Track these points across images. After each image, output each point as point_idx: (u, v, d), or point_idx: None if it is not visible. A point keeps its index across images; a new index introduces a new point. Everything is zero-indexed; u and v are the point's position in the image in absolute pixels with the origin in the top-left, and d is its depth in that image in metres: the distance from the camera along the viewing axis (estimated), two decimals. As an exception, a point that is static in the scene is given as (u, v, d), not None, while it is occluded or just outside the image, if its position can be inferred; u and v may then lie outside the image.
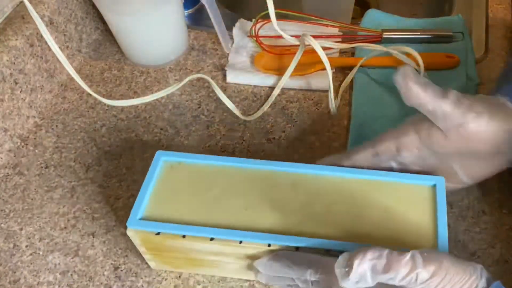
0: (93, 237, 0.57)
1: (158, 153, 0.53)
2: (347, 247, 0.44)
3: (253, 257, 0.48)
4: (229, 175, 0.51)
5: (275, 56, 0.72)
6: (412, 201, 0.48)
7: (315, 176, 0.50)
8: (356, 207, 0.48)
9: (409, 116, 0.63)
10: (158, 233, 0.47)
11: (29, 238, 0.57)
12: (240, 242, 0.46)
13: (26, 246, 0.57)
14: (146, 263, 0.54)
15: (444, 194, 0.47)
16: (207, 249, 0.48)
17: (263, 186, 0.50)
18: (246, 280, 0.52)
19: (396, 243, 0.45)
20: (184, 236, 0.47)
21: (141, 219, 0.48)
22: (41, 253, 0.56)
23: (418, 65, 0.64)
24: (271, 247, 0.46)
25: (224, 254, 0.48)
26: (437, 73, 0.66)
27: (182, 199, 0.50)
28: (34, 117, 0.69)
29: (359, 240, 0.45)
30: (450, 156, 0.49)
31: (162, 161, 0.52)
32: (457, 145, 0.47)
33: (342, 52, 0.73)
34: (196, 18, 0.82)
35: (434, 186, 0.48)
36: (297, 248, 0.45)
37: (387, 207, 0.47)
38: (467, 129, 0.46)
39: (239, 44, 0.76)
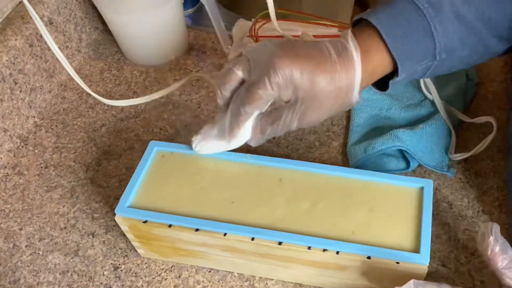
0: (93, 237, 0.57)
1: (152, 143, 0.54)
2: (330, 245, 0.45)
3: (238, 250, 0.48)
4: (218, 168, 0.52)
5: (275, 56, 0.72)
6: (398, 202, 0.48)
7: (302, 172, 0.51)
8: (342, 206, 0.48)
9: (409, 116, 0.63)
10: (145, 221, 0.48)
11: (29, 238, 0.57)
12: (225, 234, 0.47)
13: (26, 246, 0.57)
14: (146, 263, 0.54)
15: (431, 197, 0.48)
16: (193, 240, 0.48)
17: (250, 180, 0.51)
18: (246, 280, 0.52)
19: (378, 243, 0.45)
20: (170, 226, 0.48)
21: (129, 206, 0.49)
22: (41, 253, 0.56)
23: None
24: (255, 241, 0.46)
25: (209, 245, 0.49)
26: (437, 72, 0.66)
27: (171, 189, 0.51)
28: (34, 117, 0.69)
29: (342, 238, 0.45)
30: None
31: (155, 151, 0.53)
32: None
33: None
34: (196, 18, 0.82)
35: (422, 188, 0.49)
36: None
37: (373, 208, 0.48)
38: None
39: (239, 44, 0.76)
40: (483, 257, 0.41)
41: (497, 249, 0.40)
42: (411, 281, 0.40)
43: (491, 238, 0.40)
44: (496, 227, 0.40)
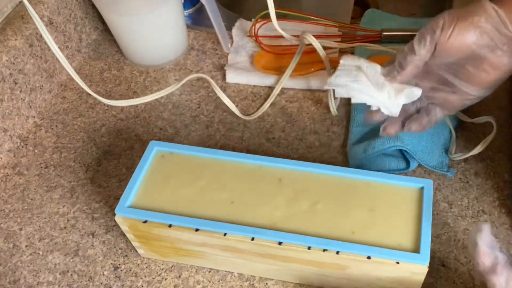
0: (93, 237, 0.57)
1: (152, 143, 0.54)
2: (330, 245, 0.45)
3: (238, 250, 0.48)
4: (218, 168, 0.52)
5: (275, 56, 0.72)
6: (398, 202, 0.48)
7: (302, 172, 0.51)
8: (342, 206, 0.48)
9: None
10: (145, 221, 0.48)
11: (29, 238, 0.57)
12: (225, 234, 0.47)
13: (26, 246, 0.57)
14: (146, 263, 0.54)
15: (431, 197, 0.48)
16: (193, 240, 0.48)
17: (250, 180, 0.51)
18: (246, 280, 0.52)
19: (378, 243, 0.45)
20: (170, 226, 0.48)
21: (129, 206, 0.49)
22: (41, 253, 0.56)
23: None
24: (255, 241, 0.46)
25: (209, 245, 0.49)
26: (437, 72, 0.66)
27: (171, 189, 0.51)
28: (34, 117, 0.69)
29: (342, 238, 0.45)
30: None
31: (155, 151, 0.53)
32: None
33: (341, 51, 0.73)
34: (196, 18, 0.82)
35: (422, 188, 0.49)
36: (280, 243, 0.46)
37: (373, 208, 0.48)
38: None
39: (239, 44, 0.76)
40: (472, 260, 0.41)
41: (484, 255, 0.40)
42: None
43: (479, 244, 0.40)
44: (485, 231, 0.40)
